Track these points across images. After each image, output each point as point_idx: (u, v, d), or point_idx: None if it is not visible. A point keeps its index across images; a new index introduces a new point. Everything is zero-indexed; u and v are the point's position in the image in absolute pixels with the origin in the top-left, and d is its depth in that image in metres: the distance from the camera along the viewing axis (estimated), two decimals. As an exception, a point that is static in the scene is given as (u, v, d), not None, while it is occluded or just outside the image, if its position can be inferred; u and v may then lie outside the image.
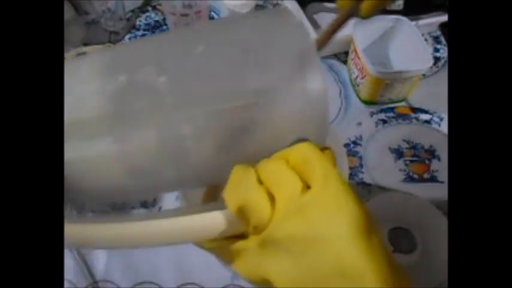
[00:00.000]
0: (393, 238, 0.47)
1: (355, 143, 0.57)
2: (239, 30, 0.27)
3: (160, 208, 0.49)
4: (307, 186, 0.21)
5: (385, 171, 0.55)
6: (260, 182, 0.22)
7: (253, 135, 0.24)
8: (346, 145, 0.56)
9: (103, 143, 0.24)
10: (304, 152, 0.22)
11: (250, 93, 0.24)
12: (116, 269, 0.46)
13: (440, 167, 0.55)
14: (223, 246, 0.23)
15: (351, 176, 0.54)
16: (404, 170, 0.55)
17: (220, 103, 0.24)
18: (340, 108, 0.60)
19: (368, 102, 0.60)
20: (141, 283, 0.46)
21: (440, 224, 0.45)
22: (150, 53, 0.26)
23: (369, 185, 0.53)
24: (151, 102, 0.24)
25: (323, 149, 0.24)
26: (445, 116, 0.59)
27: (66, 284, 0.45)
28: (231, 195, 0.22)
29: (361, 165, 0.55)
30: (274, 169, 0.22)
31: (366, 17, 0.36)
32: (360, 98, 0.61)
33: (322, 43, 0.38)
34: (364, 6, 0.35)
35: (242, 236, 0.23)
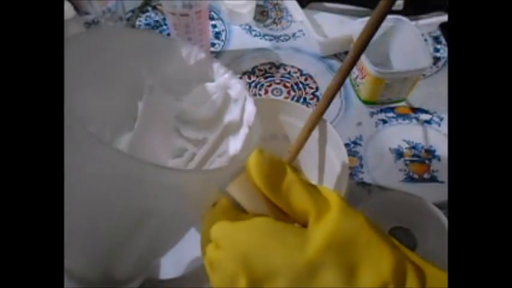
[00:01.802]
0: (393, 238, 0.47)
1: (355, 143, 0.57)
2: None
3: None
4: None
5: (385, 171, 0.55)
6: None
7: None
8: (346, 145, 0.56)
9: None
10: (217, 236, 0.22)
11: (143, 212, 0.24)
12: (116, 269, 0.46)
13: (440, 167, 0.55)
14: None
15: (351, 176, 0.54)
16: (404, 170, 0.55)
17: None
18: (340, 108, 0.60)
19: (368, 102, 0.60)
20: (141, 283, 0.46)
21: (440, 224, 0.45)
22: None
23: (369, 185, 0.53)
24: None
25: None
26: (445, 116, 0.59)
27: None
28: None
29: (361, 165, 0.55)
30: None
31: None
32: (360, 98, 0.61)
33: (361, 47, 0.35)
34: None
35: None
